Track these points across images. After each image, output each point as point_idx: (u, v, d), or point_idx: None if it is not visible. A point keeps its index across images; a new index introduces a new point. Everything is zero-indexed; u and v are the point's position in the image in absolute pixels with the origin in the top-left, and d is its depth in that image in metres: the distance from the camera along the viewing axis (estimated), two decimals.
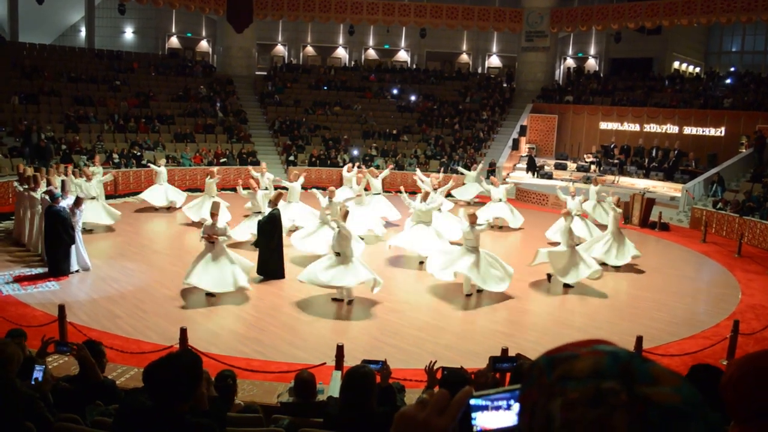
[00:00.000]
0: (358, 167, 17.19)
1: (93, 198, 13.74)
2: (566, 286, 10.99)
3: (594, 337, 0.86)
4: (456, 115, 26.97)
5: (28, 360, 3.84)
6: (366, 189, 15.31)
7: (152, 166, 16.99)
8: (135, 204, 17.23)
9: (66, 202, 10.99)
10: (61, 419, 3.49)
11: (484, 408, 0.91)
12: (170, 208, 16.49)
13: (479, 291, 10.42)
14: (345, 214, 9.78)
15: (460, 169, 20.59)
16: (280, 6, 27.11)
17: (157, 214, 16.36)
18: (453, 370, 4.53)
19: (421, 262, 12.21)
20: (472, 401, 0.91)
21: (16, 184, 13.68)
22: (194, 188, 19.47)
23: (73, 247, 10.77)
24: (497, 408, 0.91)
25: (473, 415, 0.91)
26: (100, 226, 14.12)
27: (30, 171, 13.73)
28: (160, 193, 16.45)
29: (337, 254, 9.45)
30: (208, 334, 8.29)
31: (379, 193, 15.59)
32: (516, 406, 0.89)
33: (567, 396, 0.77)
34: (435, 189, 14.02)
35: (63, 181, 12.53)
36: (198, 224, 14.95)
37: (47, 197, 11.04)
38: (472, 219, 10.35)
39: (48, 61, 24.45)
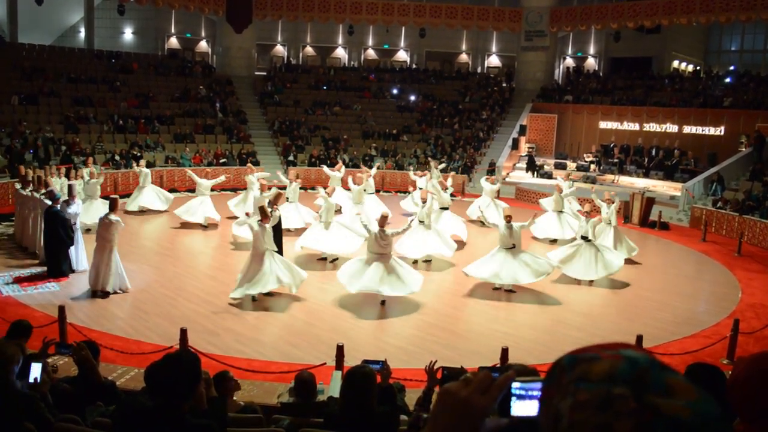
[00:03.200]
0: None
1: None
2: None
3: (623, 341, 0.86)
4: (456, 115, 26.97)
5: (27, 360, 3.83)
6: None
7: (136, 168, 16.87)
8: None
9: (74, 208, 10.96)
10: (61, 420, 3.49)
11: (521, 395, 0.97)
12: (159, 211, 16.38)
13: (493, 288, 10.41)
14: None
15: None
16: (279, 6, 27.11)
17: (156, 214, 16.32)
18: (453, 370, 4.52)
19: (425, 261, 12.24)
20: (512, 386, 0.96)
21: (18, 186, 13.65)
22: (194, 189, 19.43)
23: (118, 262, 9.90)
24: (531, 397, 0.96)
25: (512, 399, 0.96)
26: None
27: (31, 173, 13.68)
28: (149, 195, 16.38)
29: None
30: (208, 335, 8.29)
31: (372, 192, 15.66)
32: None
33: (577, 397, 0.76)
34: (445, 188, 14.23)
35: (70, 186, 12.10)
36: (195, 225, 14.98)
37: (47, 198, 11.01)
38: (507, 218, 10.32)
39: (47, 62, 24.44)
